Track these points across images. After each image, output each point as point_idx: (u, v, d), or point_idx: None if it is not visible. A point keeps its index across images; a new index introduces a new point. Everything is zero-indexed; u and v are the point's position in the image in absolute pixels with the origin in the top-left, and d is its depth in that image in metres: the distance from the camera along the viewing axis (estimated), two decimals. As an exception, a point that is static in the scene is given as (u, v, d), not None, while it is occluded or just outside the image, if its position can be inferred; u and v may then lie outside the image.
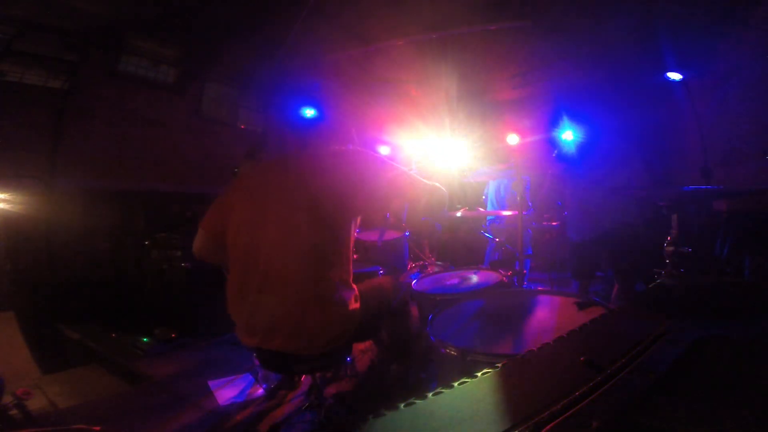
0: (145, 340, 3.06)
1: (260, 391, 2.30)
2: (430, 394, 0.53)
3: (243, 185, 1.48)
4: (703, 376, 0.65)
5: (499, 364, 0.62)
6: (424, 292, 2.02)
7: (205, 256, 1.51)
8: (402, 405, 0.51)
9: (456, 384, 0.56)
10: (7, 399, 1.91)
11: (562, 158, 2.71)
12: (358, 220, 1.48)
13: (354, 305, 1.40)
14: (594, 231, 2.41)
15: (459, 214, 3.14)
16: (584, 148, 2.61)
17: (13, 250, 3.35)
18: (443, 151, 3.93)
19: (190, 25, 3.80)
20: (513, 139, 3.01)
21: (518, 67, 4.82)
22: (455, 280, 2.15)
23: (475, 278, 2.15)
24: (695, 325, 0.76)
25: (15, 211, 3.27)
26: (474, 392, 0.55)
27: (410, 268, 2.80)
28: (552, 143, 2.99)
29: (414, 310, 2.18)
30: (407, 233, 3.04)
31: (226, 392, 2.33)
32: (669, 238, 1.25)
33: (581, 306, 1.44)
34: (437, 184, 1.53)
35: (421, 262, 2.77)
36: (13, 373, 2.54)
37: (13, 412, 1.86)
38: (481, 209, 3.53)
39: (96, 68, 3.81)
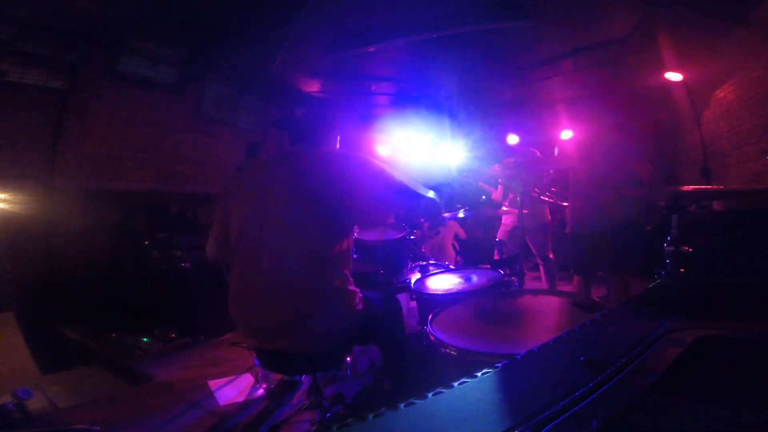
0: (145, 340, 3.06)
1: (260, 391, 2.30)
2: (430, 394, 0.53)
3: (243, 185, 1.48)
4: (703, 376, 0.65)
5: (499, 364, 0.62)
6: (424, 292, 2.02)
7: (219, 260, 1.51)
8: (402, 405, 0.50)
9: (456, 384, 0.56)
10: (7, 399, 1.91)
11: (563, 157, 2.71)
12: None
13: (357, 306, 1.40)
14: (594, 225, 2.41)
15: (461, 214, 3.14)
16: (585, 148, 2.60)
17: (13, 250, 3.35)
18: (443, 151, 3.93)
19: (190, 26, 3.80)
20: (513, 139, 3.02)
21: (518, 67, 4.82)
22: (455, 280, 2.15)
23: (475, 278, 2.15)
24: (695, 325, 0.76)
25: (15, 211, 3.27)
26: (474, 392, 0.55)
27: (410, 267, 2.80)
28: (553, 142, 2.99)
29: (414, 310, 2.18)
30: (407, 233, 3.04)
31: (226, 392, 2.33)
32: (669, 238, 1.25)
33: (581, 306, 1.44)
34: (431, 196, 1.53)
35: (422, 262, 2.77)
36: (13, 373, 2.54)
37: (13, 412, 1.86)
38: (483, 209, 3.53)
39: (96, 68, 3.81)
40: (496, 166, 2.86)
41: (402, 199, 1.46)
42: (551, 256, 3.41)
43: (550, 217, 3.55)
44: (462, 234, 4.29)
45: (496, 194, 3.66)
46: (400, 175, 1.46)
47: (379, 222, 2.75)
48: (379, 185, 1.41)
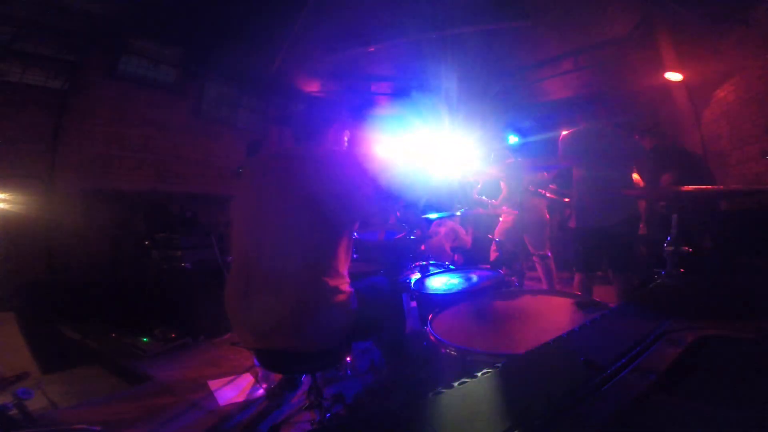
0: (145, 340, 3.06)
1: (260, 391, 2.30)
2: (430, 394, 0.53)
3: (242, 184, 1.48)
4: (703, 376, 0.65)
5: (499, 364, 0.62)
6: (424, 292, 2.02)
7: None
8: (402, 405, 0.50)
9: (456, 384, 0.56)
10: (7, 399, 1.91)
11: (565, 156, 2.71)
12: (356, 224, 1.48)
13: (352, 304, 1.41)
14: (596, 221, 2.42)
15: (458, 213, 3.14)
16: (585, 147, 2.61)
17: (13, 250, 3.35)
18: (443, 151, 3.92)
19: (190, 25, 3.80)
20: (513, 139, 3.03)
21: (517, 66, 4.83)
22: (455, 280, 2.15)
23: (475, 278, 2.15)
24: (695, 325, 0.76)
25: (15, 211, 3.27)
26: (474, 392, 0.55)
27: (410, 268, 2.79)
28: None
29: (414, 310, 2.18)
30: (408, 233, 3.04)
31: (226, 392, 2.33)
32: (669, 238, 1.25)
33: (581, 306, 1.44)
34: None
35: (422, 262, 2.77)
36: (13, 373, 2.54)
37: (13, 412, 1.86)
38: (482, 209, 3.51)
39: (96, 68, 3.81)
40: (496, 166, 2.86)
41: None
42: (549, 254, 3.41)
43: (548, 216, 3.54)
44: (462, 233, 4.28)
45: (497, 202, 3.61)
46: (385, 177, 1.47)
47: (373, 219, 2.76)
48: (370, 186, 1.42)
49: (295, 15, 3.57)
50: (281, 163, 1.45)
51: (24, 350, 2.74)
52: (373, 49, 4.08)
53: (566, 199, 2.88)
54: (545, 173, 3.26)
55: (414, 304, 2.11)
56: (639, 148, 2.51)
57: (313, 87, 5.06)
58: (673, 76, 3.93)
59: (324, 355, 1.41)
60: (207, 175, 4.79)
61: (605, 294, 2.62)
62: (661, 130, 3.94)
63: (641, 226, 2.67)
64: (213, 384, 2.42)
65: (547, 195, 3.01)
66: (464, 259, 3.99)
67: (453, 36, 3.85)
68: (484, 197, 3.55)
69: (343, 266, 1.41)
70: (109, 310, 3.42)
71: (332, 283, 1.35)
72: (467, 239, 4.27)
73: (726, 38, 3.54)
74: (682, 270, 1.21)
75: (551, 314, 1.50)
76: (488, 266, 2.59)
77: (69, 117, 3.70)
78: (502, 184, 3.52)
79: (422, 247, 3.18)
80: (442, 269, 2.48)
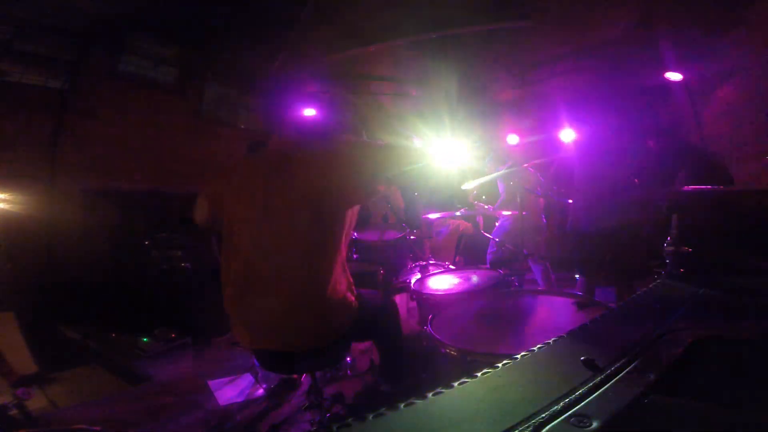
0: (145, 340, 3.06)
1: (260, 391, 2.30)
2: (430, 394, 0.53)
3: (238, 179, 1.47)
4: (703, 376, 0.65)
5: (499, 364, 0.62)
6: (424, 292, 2.02)
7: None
8: (402, 405, 0.50)
9: (456, 384, 0.56)
10: (7, 399, 1.91)
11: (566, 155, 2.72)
12: (356, 211, 1.46)
13: (352, 304, 1.41)
14: (597, 224, 2.42)
15: (458, 213, 3.14)
16: (585, 147, 2.61)
17: (13, 250, 3.35)
18: (443, 150, 3.92)
19: (190, 25, 3.80)
20: (513, 138, 3.03)
21: (518, 67, 4.82)
22: (455, 280, 2.15)
23: (475, 278, 2.15)
24: (695, 325, 0.76)
25: (15, 211, 3.27)
26: (474, 392, 0.55)
27: (410, 267, 2.80)
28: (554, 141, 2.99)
29: (414, 310, 2.19)
30: (408, 232, 3.04)
31: (226, 392, 2.33)
32: (669, 238, 1.26)
33: (581, 306, 1.44)
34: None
35: (421, 262, 2.77)
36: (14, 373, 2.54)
37: (13, 412, 1.86)
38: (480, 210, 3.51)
39: (96, 68, 3.81)
40: (494, 166, 2.85)
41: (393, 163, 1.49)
42: (546, 256, 3.41)
43: (545, 219, 3.54)
44: (465, 224, 4.26)
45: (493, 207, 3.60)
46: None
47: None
48: (369, 158, 1.43)
49: (295, 15, 3.57)
50: (283, 164, 1.44)
51: (24, 350, 2.74)
52: (372, 49, 4.08)
53: (570, 200, 2.88)
54: (540, 177, 3.27)
55: (414, 304, 2.12)
56: (646, 151, 2.51)
57: (313, 87, 5.06)
58: (673, 76, 3.93)
59: (324, 353, 1.41)
60: (207, 175, 4.78)
61: (605, 294, 2.62)
62: (672, 130, 3.93)
63: (642, 227, 2.66)
64: (213, 384, 2.42)
65: (553, 198, 3.01)
66: (465, 260, 3.98)
67: (453, 36, 3.85)
68: (484, 197, 3.55)
69: (343, 263, 1.42)
70: (109, 310, 3.42)
71: (332, 280, 1.35)
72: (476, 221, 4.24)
73: (726, 38, 3.54)
74: (682, 270, 1.21)
75: (551, 314, 1.51)
76: (488, 266, 2.59)
77: (69, 117, 3.70)
78: (500, 186, 3.53)
79: (427, 249, 3.19)
80: (442, 269, 2.48)
